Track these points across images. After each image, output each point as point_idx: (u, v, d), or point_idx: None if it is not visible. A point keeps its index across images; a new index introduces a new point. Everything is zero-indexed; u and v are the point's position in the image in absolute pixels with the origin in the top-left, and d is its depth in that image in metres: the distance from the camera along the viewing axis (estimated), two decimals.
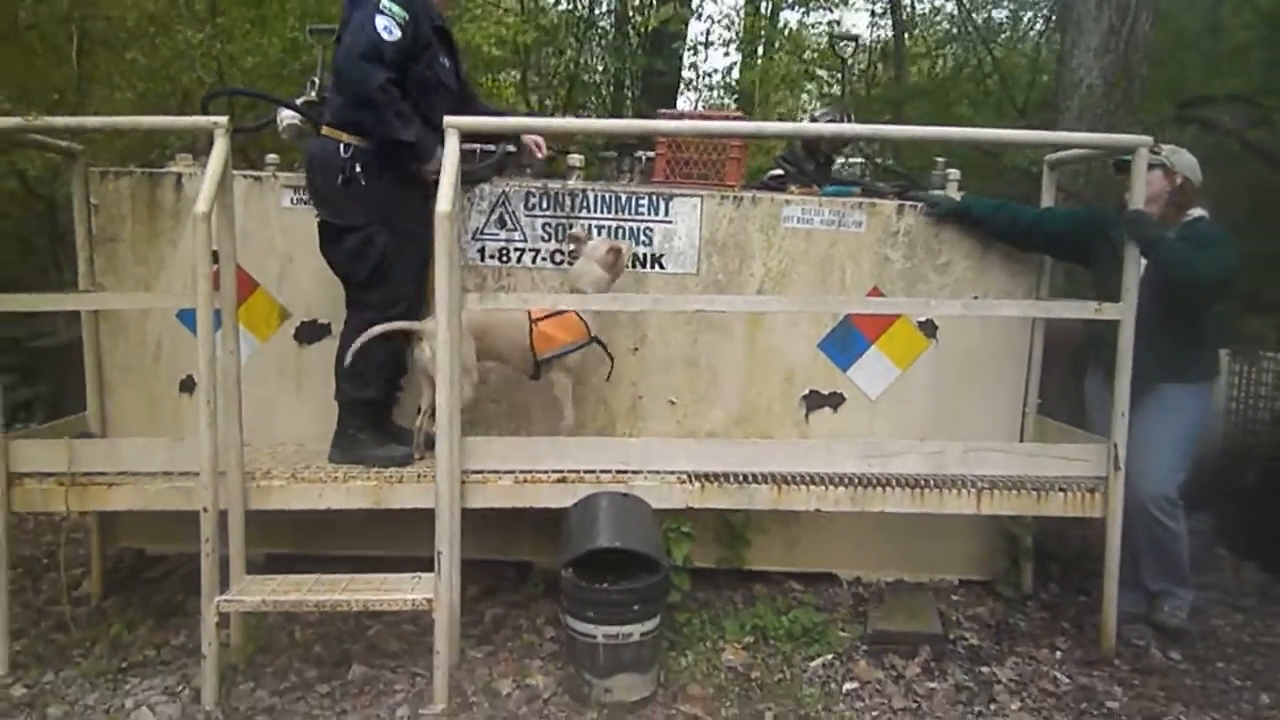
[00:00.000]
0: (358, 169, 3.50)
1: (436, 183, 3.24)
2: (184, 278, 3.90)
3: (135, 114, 5.50)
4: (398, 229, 3.57)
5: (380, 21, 3.41)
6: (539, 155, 4.09)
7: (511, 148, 4.10)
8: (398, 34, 3.44)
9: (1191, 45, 9.23)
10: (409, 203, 3.59)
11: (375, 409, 3.78)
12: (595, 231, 3.99)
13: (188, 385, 4.01)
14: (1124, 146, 3.76)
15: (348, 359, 3.52)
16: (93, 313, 3.95)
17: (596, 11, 11.26)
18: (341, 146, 3.51)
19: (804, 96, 14.07)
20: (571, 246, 3.90)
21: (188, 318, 3.87)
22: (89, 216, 3.91)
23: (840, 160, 4.94)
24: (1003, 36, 11.23)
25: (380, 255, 3.55)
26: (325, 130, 3.58)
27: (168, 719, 3.09)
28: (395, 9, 3.45)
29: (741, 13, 12.29)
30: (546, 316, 3.75)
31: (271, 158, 4.23)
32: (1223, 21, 9.58)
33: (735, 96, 11.91)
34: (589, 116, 10.07)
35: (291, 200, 3.96)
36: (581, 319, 3.78)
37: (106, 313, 3.97)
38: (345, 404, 3.71)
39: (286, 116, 4.06)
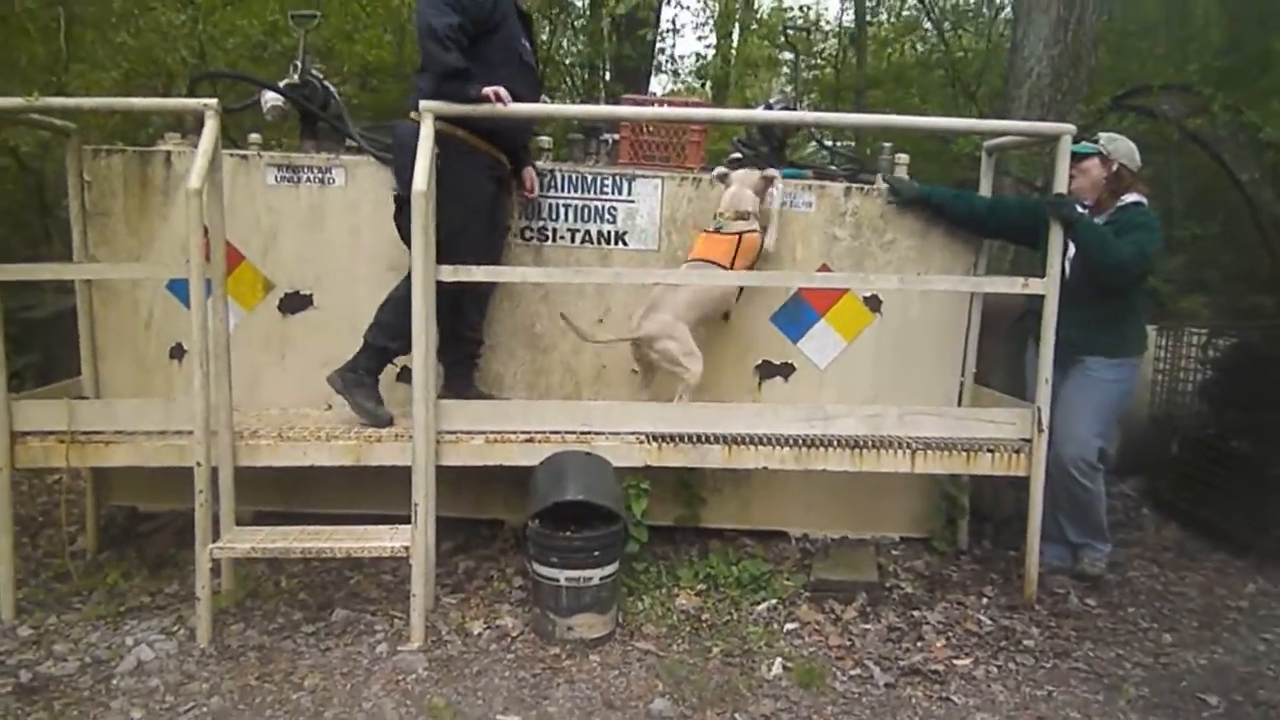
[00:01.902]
0: (435, 150, 3.72)
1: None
2: (173, 250, 4.14)
3: (120, 92, 5.73)
4: (463, 207, 3.81)
5: None
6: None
7: None
8: None
9: (1152, 33, 9.56)
10: (477, 185, 3.86)
11: (386, 360, 4.03)
12: (563, 209, 4.27)
13: (177, 352, 4.26)
14: (1049, 134, 4.08)
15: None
16: (86, 283, 4.18)
17: None
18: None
19: (780, 79, 14.35)
20: (723, 177, 4.26)
21: (177, 288, 4.13)
22: (82, 192, 4.13)
23: (812, 146, 5.19)
24: (976, 22, 11.52)
25: (440, 228, 3.73)
26: (413, 114, 3.76)
27: (166, 654, 3.36)
28: None
29: None
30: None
31: (254, 137, 4.46)
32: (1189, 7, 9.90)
33: (704, 81, 12.11)
34: (562, 99, 10.27)
35: (275, 178, 4.20)
36: None
37: (100, 283, 4.20)
38: (368, 346, 3.97)
39: (270, 99, 4.30)
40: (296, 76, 4.34)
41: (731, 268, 4.06)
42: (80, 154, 4.12)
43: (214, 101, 3.50)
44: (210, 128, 3.44)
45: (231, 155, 4.15)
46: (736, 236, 4.08)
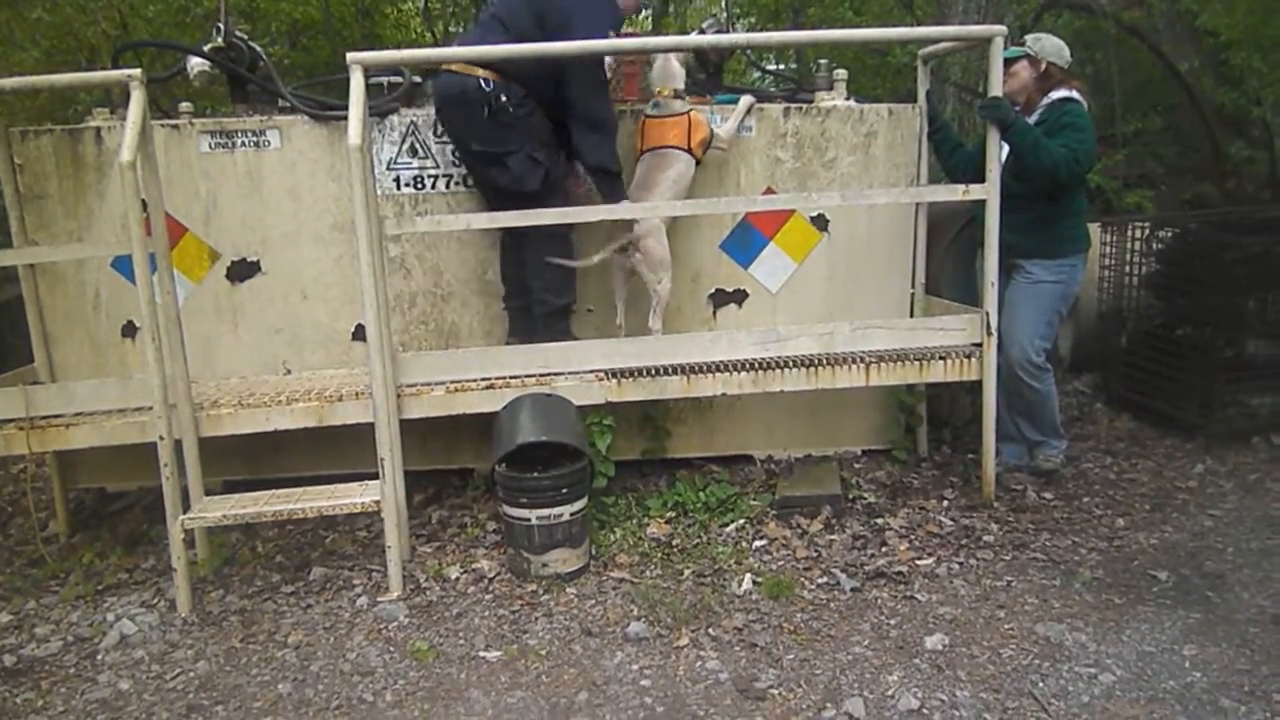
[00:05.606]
0: (503, 99, 3.80)
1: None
2: (114, 227, 4.10)
3: (42, 71, 5.59)
4: (548, 145, 3.97)
5: None
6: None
7: (418, 79, 4.32)
8: None
9: None
10: (546, 124, 3.98)
11: (569, 315, 4.21)
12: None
13: (129, 330, 4.24)
14: (980, 36, 4.11)
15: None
16: (31, 269, 4.13)
17: None
18: (482, 81, 3.79)
19: (718, 6, 14.19)
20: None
21: (122, 265, 4.09)
22: (15, 176, 4.06)
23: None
24: None
25: (545, 168, 3.92)
26: (458, 67, 3.82)
27: (148, 626, 3.40)
28: None
29: None
30: None
31: (185, 106, 4.39)
32: None
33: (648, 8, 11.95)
34: None
35: (210, 145, 4.14)
36: None
37: (44, 267, 4.15)
38: (549, 314, 4.10)
39: (196, 64, 4.23)
40: (221, 39, 4.26)
41: (689, 147, 4.09)
42: (8, 137, 4.04)
43: (137, 71, 3.43)
44: (137, 99, 3.38)
45: (163, 125, 4.09)
46: (685, 117, 4.11)
